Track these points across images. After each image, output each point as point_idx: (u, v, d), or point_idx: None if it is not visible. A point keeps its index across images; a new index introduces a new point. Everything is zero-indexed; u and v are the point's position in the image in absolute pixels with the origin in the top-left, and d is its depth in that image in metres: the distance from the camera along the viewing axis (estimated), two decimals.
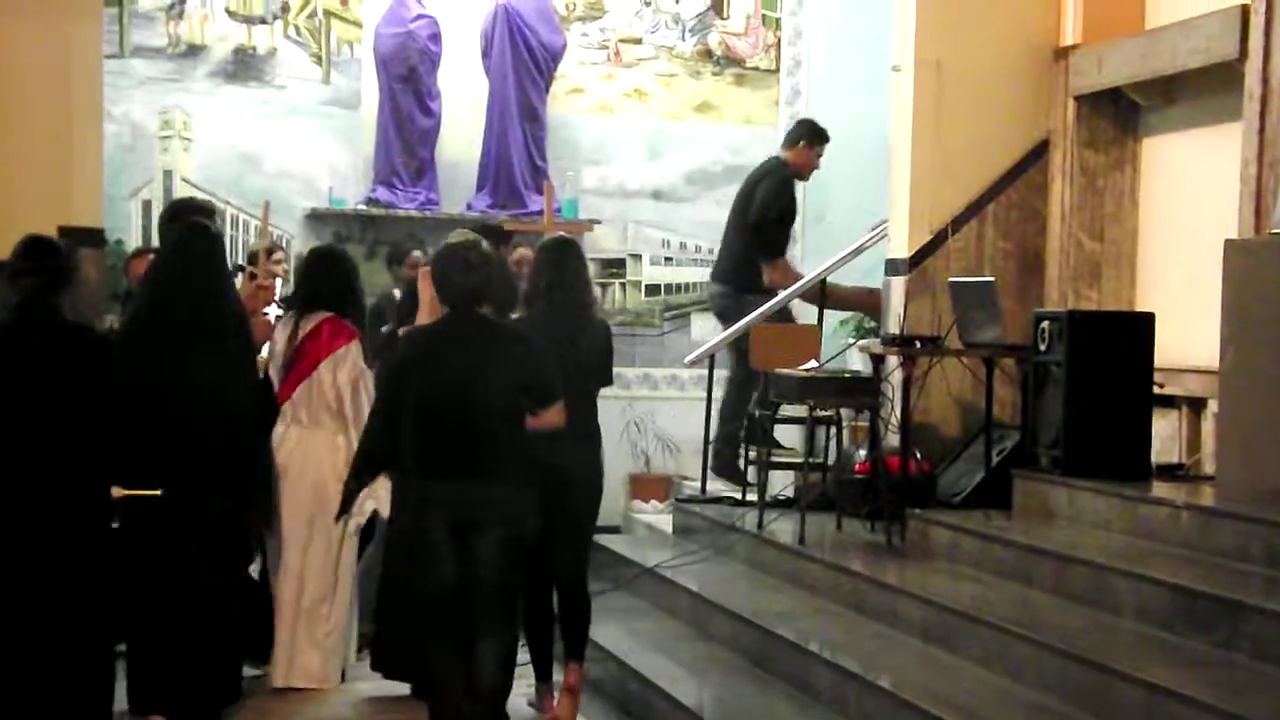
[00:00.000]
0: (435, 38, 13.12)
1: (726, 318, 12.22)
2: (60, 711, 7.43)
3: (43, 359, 7.49)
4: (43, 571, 7.40)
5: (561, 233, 9.47)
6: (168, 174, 12.69)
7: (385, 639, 8.68)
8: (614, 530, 12.37)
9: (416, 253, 11.92)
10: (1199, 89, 10.18)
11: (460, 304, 7.40)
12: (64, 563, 7.42)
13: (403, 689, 8.70)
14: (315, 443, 8.78)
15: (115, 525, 7.85)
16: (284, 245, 12.26)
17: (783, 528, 10.15)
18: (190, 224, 8.40)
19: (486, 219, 11.70)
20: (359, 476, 7.74)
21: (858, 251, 12.51)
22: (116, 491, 7.70)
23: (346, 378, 8.79)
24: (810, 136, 12.22)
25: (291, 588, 8.77)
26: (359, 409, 8.66)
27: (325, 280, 8.94)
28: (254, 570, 8.89)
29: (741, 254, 12.17)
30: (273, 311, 9.78)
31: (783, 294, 12.02)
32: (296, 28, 13.06)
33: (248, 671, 8.61)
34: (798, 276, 12.21)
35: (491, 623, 7.25)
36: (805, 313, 12.37)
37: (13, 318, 7.59)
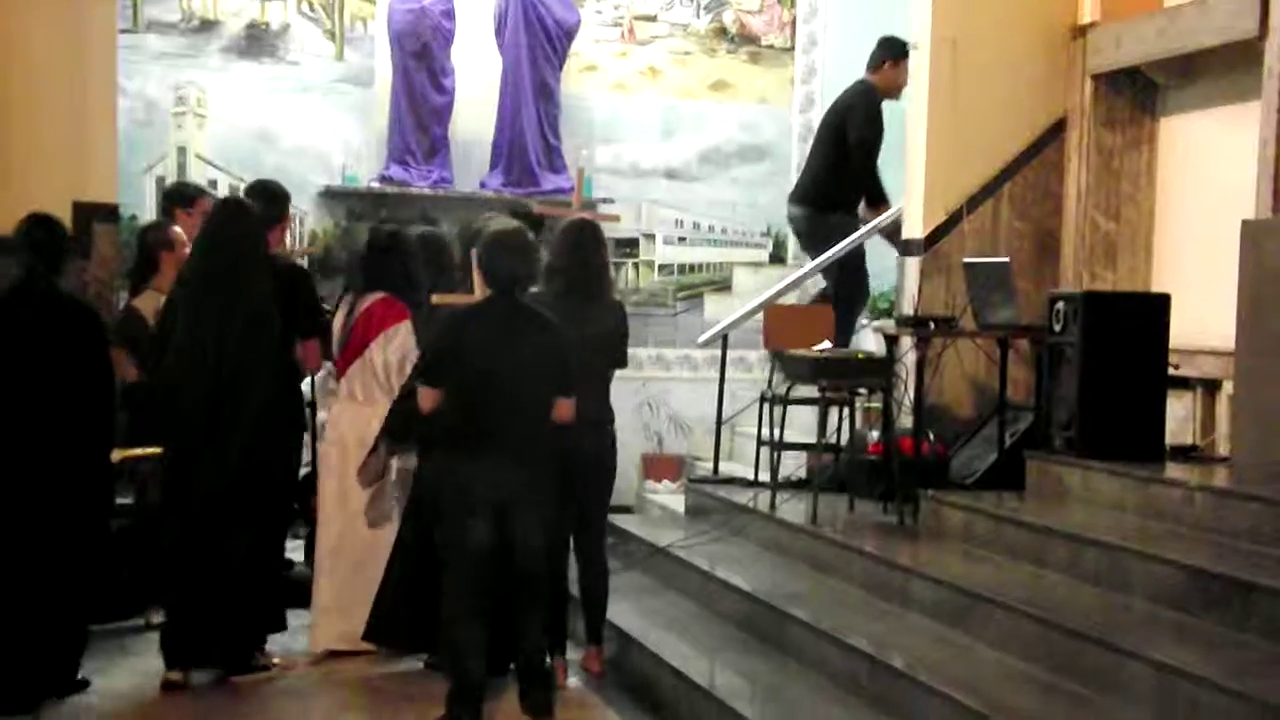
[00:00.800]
0: (449, 14, 13.08)
1: (811, 240, 12.15)
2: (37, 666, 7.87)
3: (35, 331, 7.85)
4: (39, 535, 7.77)
5: (583, 214, 9.45)
6: (182, 150, 12.67)
7: (392, 610, 8.70)
8: (626, 510, 12.37)
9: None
10: (1218, 67, 10.14)
11: (506, 289, 7.73)
12: (59, 527, 7.81)
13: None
14: (369, 417, 8.94)
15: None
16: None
17: (795, 508, 10.13)
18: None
19: (517, 203, 11.67)
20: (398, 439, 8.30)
21: (871, 231, 12.48)
22: (115, 454, 8.23)
23: (395, 355, 9.02)
24: (892, 54, 12.09)
25: (343, 555, 8.99)
26: None
27: (382, 262, 9.03)
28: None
29: (824, 176, 12.15)
30: None
31: (866, 226, 12.02)
32: (310, 3, 13.03)
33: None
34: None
35: (532, 595, 7.77)
36: (885, 254, 12.28)
37: (9, 291, 7.95)
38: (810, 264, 12.45)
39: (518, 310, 7.75)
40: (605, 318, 8.53)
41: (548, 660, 8.19)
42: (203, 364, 8.19)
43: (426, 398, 7.77)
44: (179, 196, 10.44)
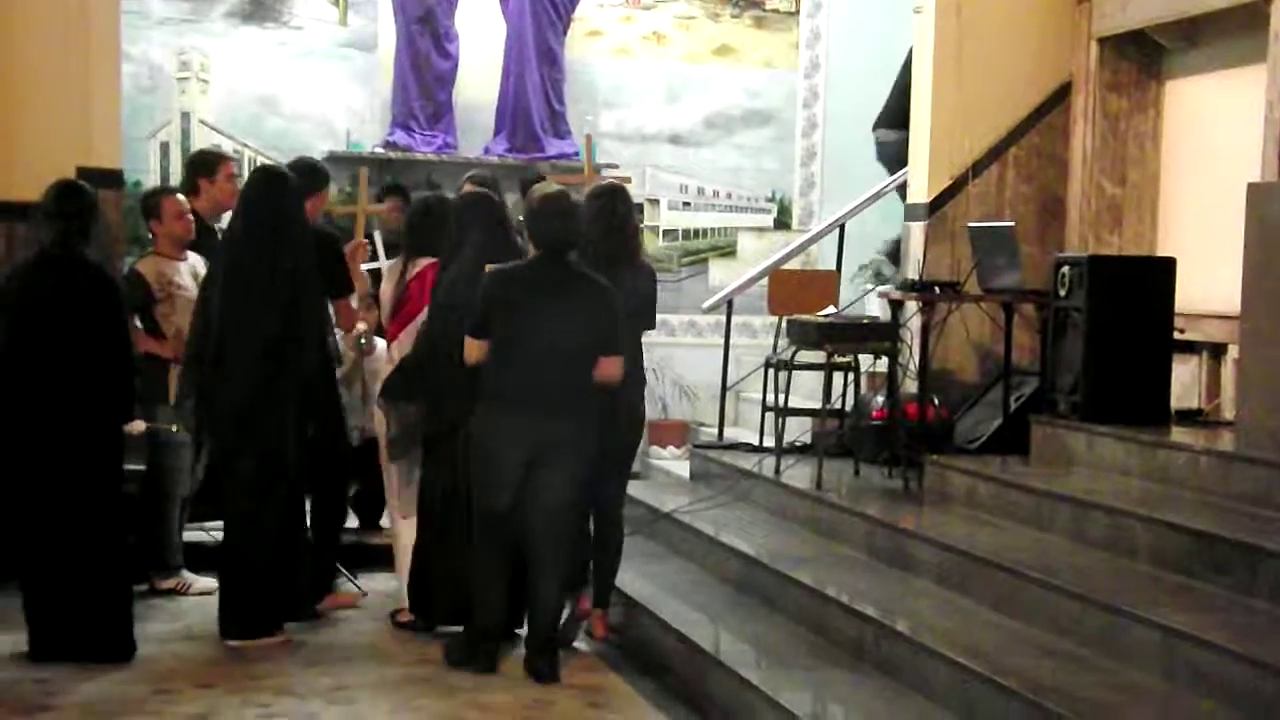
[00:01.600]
0: None
1: (901, 162, 12.04)
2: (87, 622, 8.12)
3: (58, 297, 8.01)
4: (58, 493, 7.99)
5: (611, 179, 9.51)
6: (185, 116, 12.65)
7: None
8: (632, 476, 12.35)
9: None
10: (1223, 30, 10.12)
11: (552, 250, 7.98)
12: (79, 491, 8.01)
13: None
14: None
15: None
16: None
17: (800, 473, 10.14)
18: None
19: (527, 169, 11.65)
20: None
21: (877, 196, 12.47)
22: (137, 427, 8.50)
23: None
24: None
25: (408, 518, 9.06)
26: None
27: (432, 228, 9.00)
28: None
29: None
30: None
31: None
32: None
33: None
34: None
35: (554, 550, 8.02)
36: (890, 218, 12.27)
37: (36, 257, 8.22)
38: (814, 230, 12.41)
39: (566, 270, 7.98)
40: (638, 281, 8.60)
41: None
42: (252, 329, 8.34)
43: (472, 349, 7.98)
44: (201, 165, 10.39)
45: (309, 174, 9.31)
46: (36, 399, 7.99)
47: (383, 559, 9.79)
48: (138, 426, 8.65)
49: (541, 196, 8.12)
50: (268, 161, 11.98)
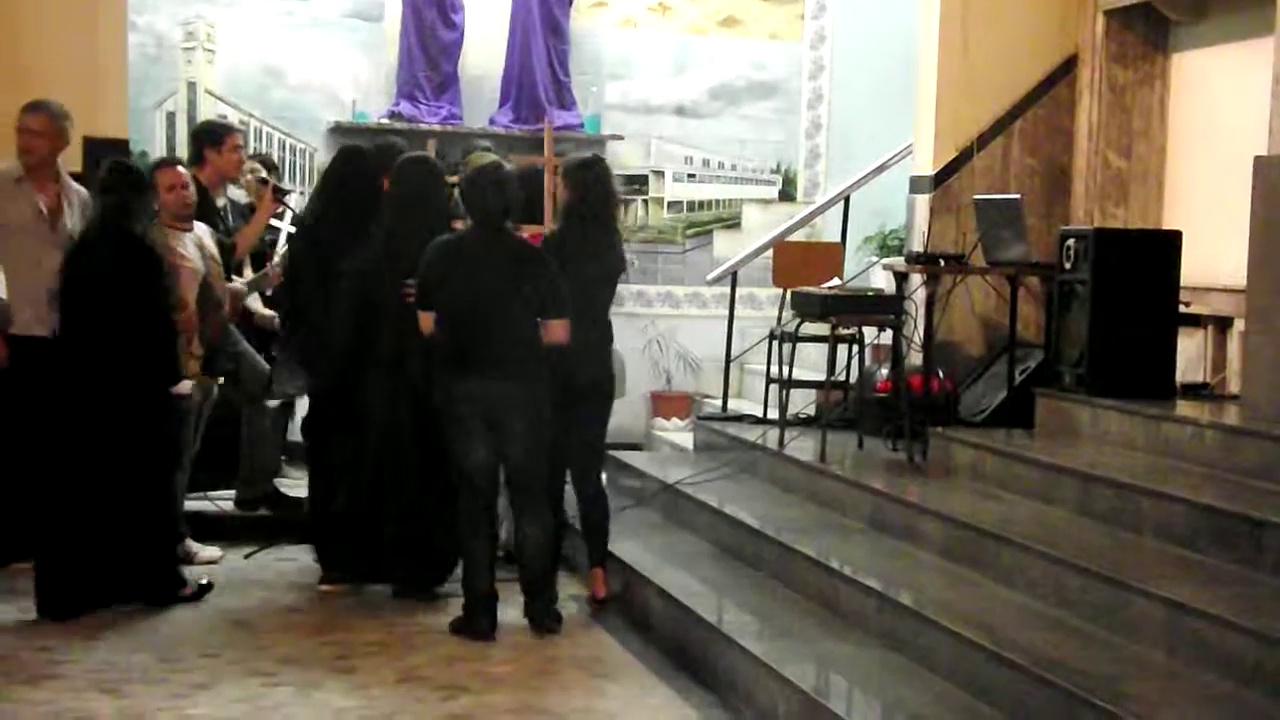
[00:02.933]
0: None
1: None
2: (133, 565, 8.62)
3: (105, 268, 8.47)
4: (112, 453, 8.45)
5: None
6: (191, 85, 12.63)
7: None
8: (635, 447, 12.39)
9: None
10: (1230, 3, 10.12)
11: (487, 219, 8.31)
12: (131, 445, 8.49)
13: None
14: None
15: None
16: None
17: (804, 446, 10.15)
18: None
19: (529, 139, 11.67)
20: None
21: (881, 169, 12.47)
22: (184, 387, 8.88)
23: None
24: None
25: None
26: None
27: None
28: None
29: None
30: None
31: None
32: None
33: None
34: None
35: (531, 504, 8.44)
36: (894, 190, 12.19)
37: (89, 231, 8.72)
38: (819, 202, 12.41)
39: (501, 239, 8.34)
40: (610, 254, 8.81)
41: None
42: (362, 299, 8.87)
43: (424, 321, 8.34)
44: (207, 136, 10.39)
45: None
46: (89, 367, 8.43)
47: None
48: (185, 387, 8.92)
49: (476, 168, 8.50)
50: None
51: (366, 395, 8.95)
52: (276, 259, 10.42)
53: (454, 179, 9.31)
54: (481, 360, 8.20)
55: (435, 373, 8.36)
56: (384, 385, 8.89)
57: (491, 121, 13.16)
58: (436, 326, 8.31)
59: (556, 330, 8.33)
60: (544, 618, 8.46)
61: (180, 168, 9.77)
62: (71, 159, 10.06)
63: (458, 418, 8.28)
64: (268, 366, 10.03)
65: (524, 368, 8.26)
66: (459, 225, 8.81)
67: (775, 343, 10.49)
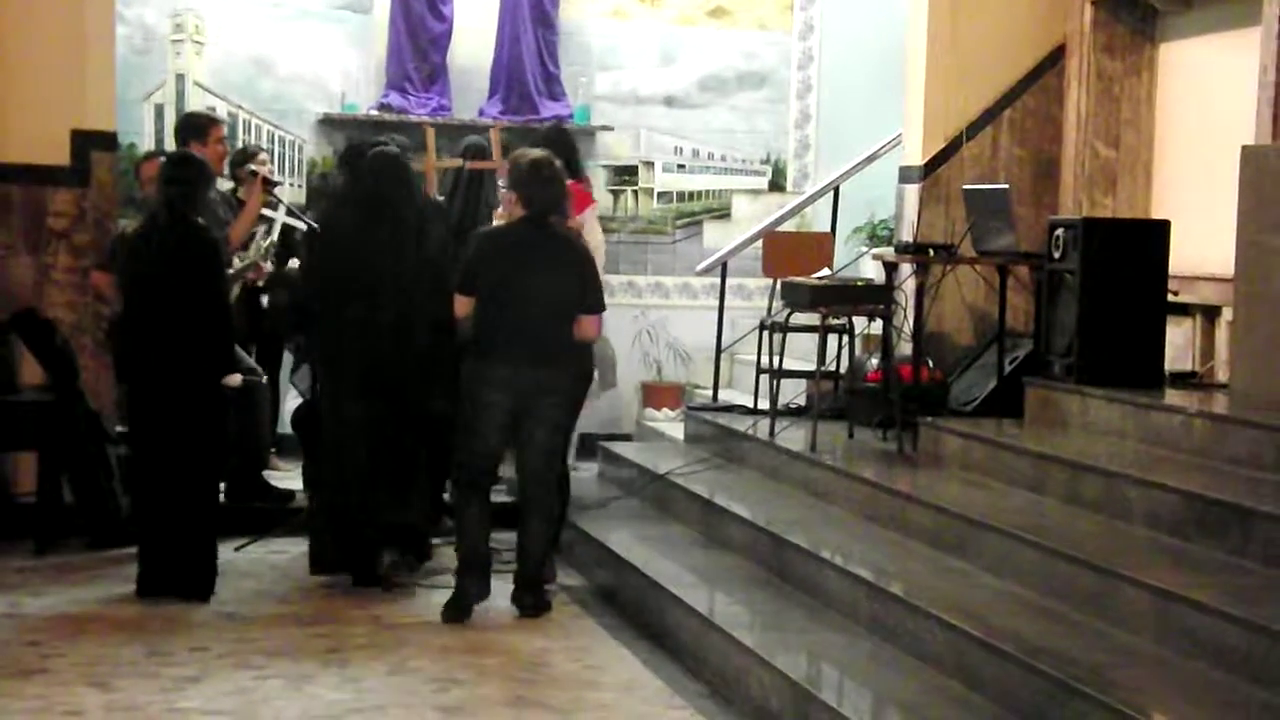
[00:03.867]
0: None
1: None
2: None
3: (166, 258, 8.70)
4: (170, 444, 8.72)
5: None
6: (180, 78, 12.59)
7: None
8: (626, 438, 12.39)
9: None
10: None
11: (537, 213, 8.54)
12: (184, 439, 8.73)
13: None
14: None
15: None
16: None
17: (794, 436, 10.15)
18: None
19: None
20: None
21: (871, 159, 12.47)
22: (234, 379, 8.96)
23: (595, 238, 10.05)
24: None
25: None
26: None
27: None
28: None
29: None
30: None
31: None
32: None
33: None
34: None
35: (541, 491, 8.62)
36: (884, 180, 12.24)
37: (152, 219, 8.88)
38: (809, 192, 12.41)
39: (547, 232, 8.56)
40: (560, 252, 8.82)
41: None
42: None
43: (460, 305, 8.59)
44: (192, 129, 10.41)
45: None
46: (148, 354, 8.71)
47: None
48: (234, 379, 8.99)
49: (530, 161, 8.62)
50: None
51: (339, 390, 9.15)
52: (263, 248, 10.45)
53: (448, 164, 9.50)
54: (519, 351, 8.38)
55: (469, 357, 8.56)
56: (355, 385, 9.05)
57: (481, 113, 13.14)
58: (476, 312, 8.51)
59: (589, 325, 8.63)
60: (530, 605, 8.63)
61: (161, 159, 9.82)
62: (58, 152, 10.09)
63: (485, 403, 8.44)
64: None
65: (558, 362, 8.50)
66: (500, 215, 9.17)
67: (765, 333, 10.49)
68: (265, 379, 10.39)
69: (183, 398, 8.69)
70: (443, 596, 8.65)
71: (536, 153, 8.74)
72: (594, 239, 9.91)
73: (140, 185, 9.98)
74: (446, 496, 9.55)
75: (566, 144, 10.31)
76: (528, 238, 8.52)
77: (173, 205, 8.75)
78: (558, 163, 8.74)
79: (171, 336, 8.66)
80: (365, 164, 9.24)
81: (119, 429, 10.00)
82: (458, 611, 8.47)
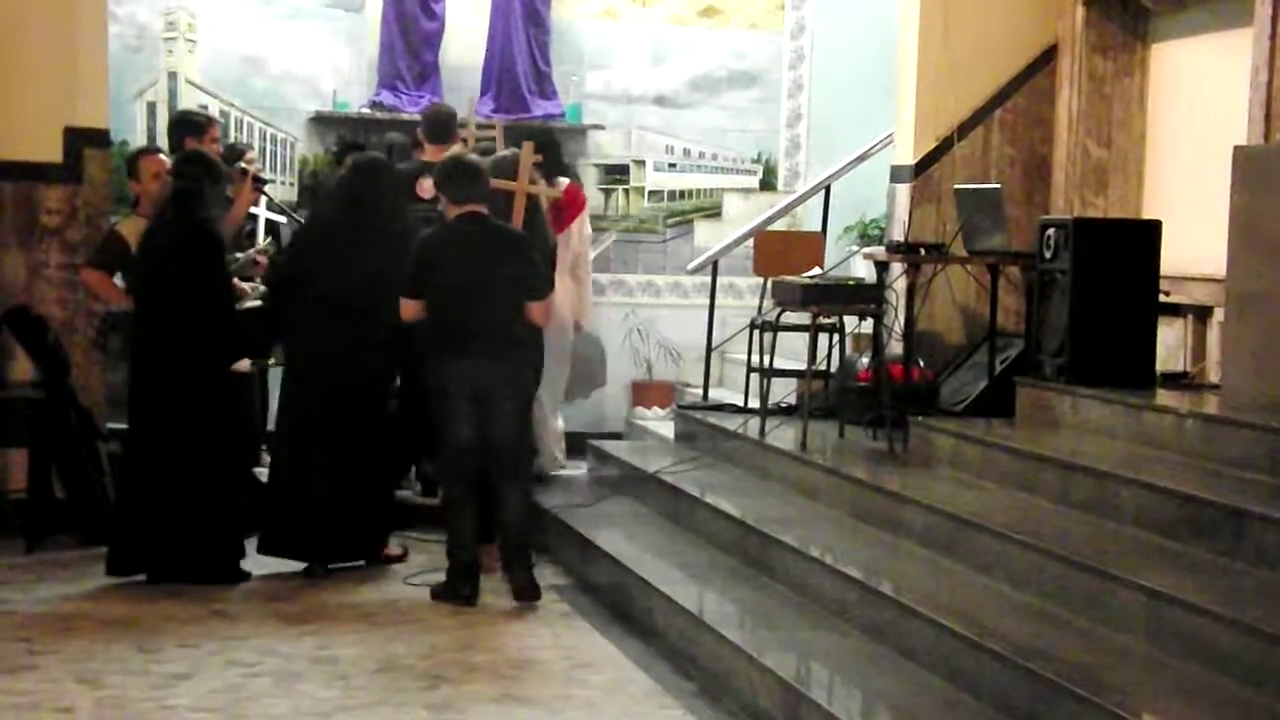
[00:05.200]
0: None
1: None
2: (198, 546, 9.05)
3: (172, 251, 8.99)
4: (183, 431, 8.97)
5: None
6: (172, 76, 12.58)
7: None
8: (616, 437, 12.38)
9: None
10: None
11: (468, 209, 8.82)
12: (196, 426, 8.97)
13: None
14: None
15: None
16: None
17: (785, 435, 10.15)
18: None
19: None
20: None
21: (862, 158, 12.47)
22: (243, 365, 9.46)
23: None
24: None
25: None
26: None
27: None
28: None
29: None
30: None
31: None
32: None
33: None
34: None
35: (510, 475, 8.86)
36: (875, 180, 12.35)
37: (163, 213, 9.18)
38: (800, 191, 12.40)
39: (484, 226, 8.86)
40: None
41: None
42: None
43: (408, 308, 8.80)
44: (191, 126, 10.41)
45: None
46: (157, 346, 8.96)
47: None
48: (244, 365, 9.39)
49: (451, 159, 9.18)
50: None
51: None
52: (262, 244, 10.46)
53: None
54: (470, 345, 8.66)
55: (427, 356, 8.82)
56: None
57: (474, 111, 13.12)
58: (428, 312, 8.72)
59: (538, 310, 8.88)
60: (526, 590, 8.81)
61: (162, 155, 9.82)
62: (51, 149, 10.08)
63: (445, 396, 8.74)
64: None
65: (509, 351, 8.77)
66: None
67: (756, 332, 10.49)
68: (254, 373, 10.38)
69: (190, 386, 8.90)
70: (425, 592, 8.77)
71: (461, 153, 9.32)
72: (583, 242, 10.32)
73: (137, 181, 9.94)
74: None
75: (552, 145, 10.63)
76: (465, 234, 8.80)
77: (179, 200, 9.00)
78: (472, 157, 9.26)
79: (178, 327, 8.89)
80: (350, 166, 9.63)
81: (110, 425, 10.01)
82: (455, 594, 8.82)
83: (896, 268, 10.17)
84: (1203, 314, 9.75)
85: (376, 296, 9.02)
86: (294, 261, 9.53)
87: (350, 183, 9.56)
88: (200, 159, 9.30)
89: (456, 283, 8.67)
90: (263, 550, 9.37)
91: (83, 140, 10.20)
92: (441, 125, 10.94)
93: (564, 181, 10.85)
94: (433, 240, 8.90)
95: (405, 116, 12.72)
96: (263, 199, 10.78)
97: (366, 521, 9.43)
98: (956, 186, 10.35)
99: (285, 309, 9.43)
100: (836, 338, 10.26)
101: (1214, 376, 9.32)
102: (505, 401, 8.77)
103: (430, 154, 10.69)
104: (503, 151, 10.04)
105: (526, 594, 8.82)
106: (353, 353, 9.16)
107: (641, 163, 13.70)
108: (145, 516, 8.93)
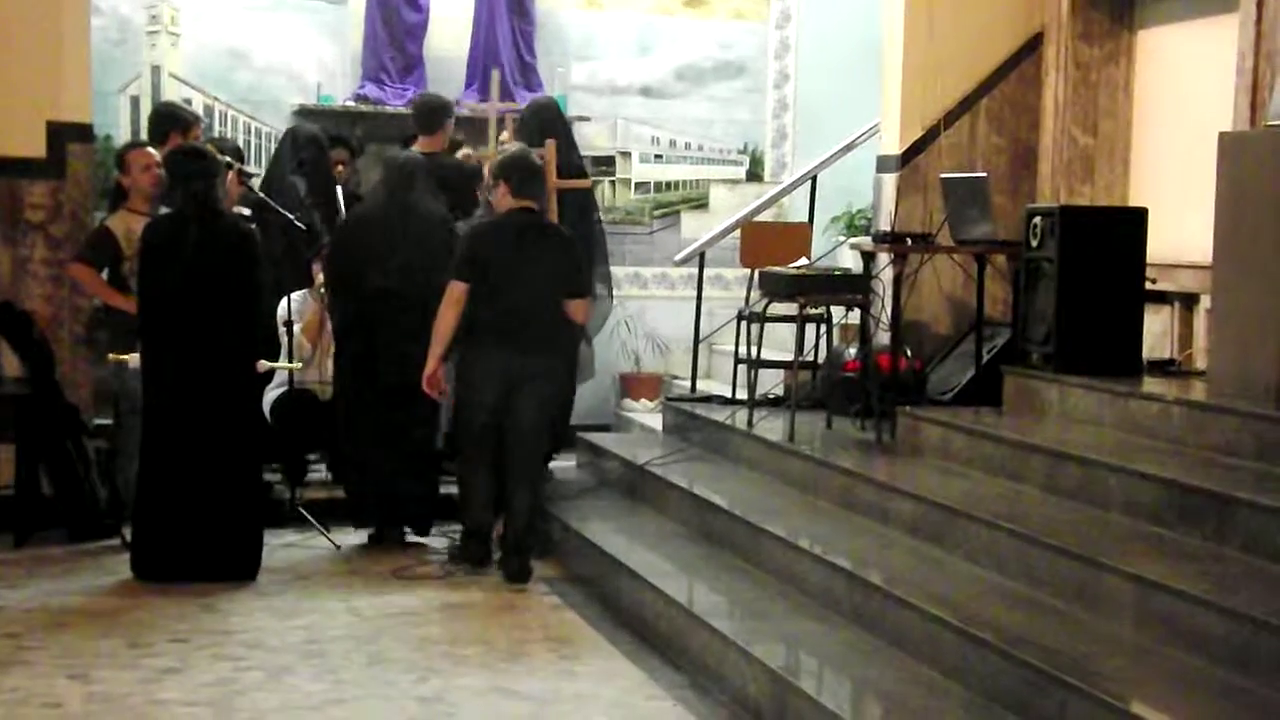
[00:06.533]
0: None
1: None
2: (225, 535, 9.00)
3: (215, 247, 8.95)
4: (208, 429, 8.90)
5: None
6: (156, 69, 12.56)
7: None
8: (604, 429, 12.38)
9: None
10: None
11: (522, 204, 9.17)
12: (222, 424, 8.92)
13: None
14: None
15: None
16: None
17: (773, 426, 10.15)
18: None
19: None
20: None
21: (848, 148, 12.47)
22: (263, 365, 9.35)
23: None
24: None
25: None
26: None
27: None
28: None
29: None
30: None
31: None
32: None
33: None
34: None
35: (527, 464, 9.21)
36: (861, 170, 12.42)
37: (180, 214, 9.01)
38: (786, 182, 12.41)
39: (534, 222, 9.22)
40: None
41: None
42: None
43: (454, 290, 9.01)
44: (174, 120, 10.40)
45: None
46: (195, 344, 8.86)
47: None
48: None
49: (512, 155, 9.33)
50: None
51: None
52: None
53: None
54: (510, 336, 8.96)
55: (465, 339, 9.07)
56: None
57: (458, 103, 13.09)
58: (471, 298, 8.98)
59: (578, 308, 9.25)
60: (517, 572, 9.11)
61: (150, 149, 9.80)
62: (34, 144, 10.06)
63: (474, 383, 9.11)
64: None
65: (547, 346, 9.10)
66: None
67: (743, 323, 10.50)
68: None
69: (223, 385, 8.90)
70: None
71: (518, 147, 9.45)
72: None
73: (125, 175, 9.92)
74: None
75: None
76: (517, 228, 9.11)
77: (200, 198, 8.96)
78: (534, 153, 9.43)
79: (212, 326, 8.86)
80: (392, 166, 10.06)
81: (97, 421, 10.01)
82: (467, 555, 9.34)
83: (883, 258, 10.17)
84: (1189, 301, 9.76)
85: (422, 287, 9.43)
86: (341, 260, 9.89)
87: (392, 180, 9.92)
88: (203, 154, 9.23)
89: (504, 272, 8.96)
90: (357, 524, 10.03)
91: (66, 135, 10.18)
92: (432, 114, 10.92)
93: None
94: (487, 229, 9.27)
95: (390, 109, 12.71)
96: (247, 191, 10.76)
97: (425, 487, 9.95)
98: (943, 176, 10.35)
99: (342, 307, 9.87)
100: (824, 328, 10.26)
101: (1201, 364, 9.33)
102: (533, 393, 9.04)
103: (423, 145, 10.69)
104: (513, 144, 10.06)
105: (517, 578, 9.09)
106: (410, 341, 9.39)
107: (627, 154, 13.70)
108: (174, 516, 8.85)
